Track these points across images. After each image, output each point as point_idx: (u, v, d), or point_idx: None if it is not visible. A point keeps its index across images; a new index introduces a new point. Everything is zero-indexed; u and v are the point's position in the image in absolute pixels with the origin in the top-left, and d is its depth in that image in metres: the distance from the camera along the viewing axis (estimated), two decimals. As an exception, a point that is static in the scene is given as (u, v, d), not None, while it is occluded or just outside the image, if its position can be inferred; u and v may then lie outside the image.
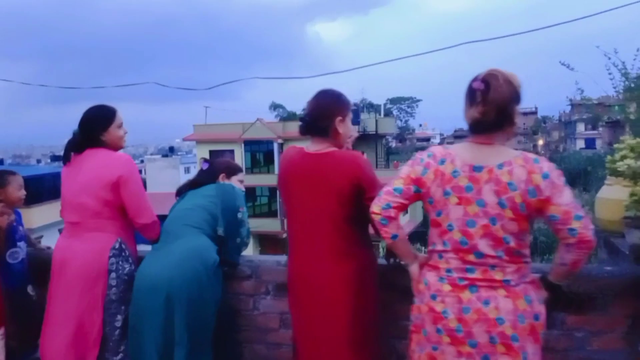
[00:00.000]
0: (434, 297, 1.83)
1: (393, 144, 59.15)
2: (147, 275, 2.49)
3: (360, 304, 2.15)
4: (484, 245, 1.75)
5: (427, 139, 69.93)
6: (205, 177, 2.85)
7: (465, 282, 1.79)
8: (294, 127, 28.32)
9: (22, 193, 2.92)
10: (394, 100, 61.16)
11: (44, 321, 2.61)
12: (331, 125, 2.22)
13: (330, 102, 2.28)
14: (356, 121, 29.99)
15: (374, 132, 30.34)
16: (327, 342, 2.15)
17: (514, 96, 1.79)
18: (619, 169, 2.28)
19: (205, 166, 2.92)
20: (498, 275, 1.77)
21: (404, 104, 62.79)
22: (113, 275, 2.56)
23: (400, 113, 62.31)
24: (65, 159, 2.68)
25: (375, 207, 1.89)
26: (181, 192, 2.87)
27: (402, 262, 2.12)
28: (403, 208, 1.89)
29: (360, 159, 2.21)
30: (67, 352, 2.52)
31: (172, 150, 55.60)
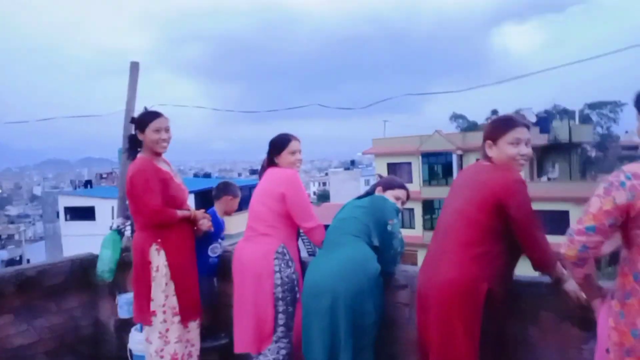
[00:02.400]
0: None
1: (593, 153, 53.03)
2: (313, 281, 2.72)
3: None
4: None
5: (635, 147, 61.06)
6: (370, 190, 3.10)
7: None
8: (474, 138, 27.31)
9: (236, 205, 3.66)
10: (592, 105, 54.82)
11: (234, 312, 3.04)
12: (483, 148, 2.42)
13: (485, 129, 2.49)
14: (545, 130, 27.75)
15: (567, 141, 27.69)
16: None
17: None
18: None
19: (378, 179, 3.19)
20: None
21: (604, 108, 55.83)
22: (277, 275, 2.89)
23: (601, 119, 55.53)
24: (260, 177, 3.22)
25: (571, 251, 1.76)
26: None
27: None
28: (599, 248, 1.75)
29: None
30: (252, 341, 2.92)
31: (353, 163, 57.89)
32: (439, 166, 29.36)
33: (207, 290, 3.34)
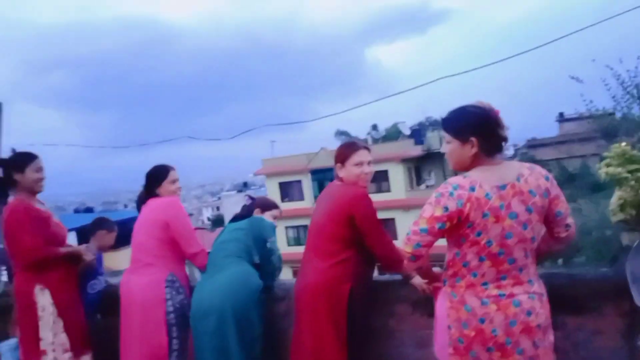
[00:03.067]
0: (482, 321, 2.00)
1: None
2: (199, 303, 2.91)
3: None
4: (517, 250, 2.00)
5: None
6: (246, 212, 3.30)
7: (506, 297, 2.00)
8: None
9: (112, 239, 3.61)
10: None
11: (121, 345, 3.10)
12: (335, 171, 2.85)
13: (335, 153, 2.88)
14: (419, 141, 29.89)
15: (438, 150, 30.01)
16: None
17: None
18: (600, 176, 2.44)
19: (248, 202, 3.39)
20: (524, 277, 2.02)
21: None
22: (169, 303, 3.02)
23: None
24: (138, 210, 3.27)
25: (407, 247, 2.05)
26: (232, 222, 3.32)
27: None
28: (430, 246, 2.07)
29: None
30: None
31: (245, 185, 57.59)
32: (327, 182, 29.99)
33: (91, 327, 3.36)
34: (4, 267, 3.93)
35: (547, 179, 2.03)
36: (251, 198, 3.43)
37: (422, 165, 30.15)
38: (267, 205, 3.38)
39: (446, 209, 1.98)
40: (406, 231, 2.10)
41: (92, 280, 3.47)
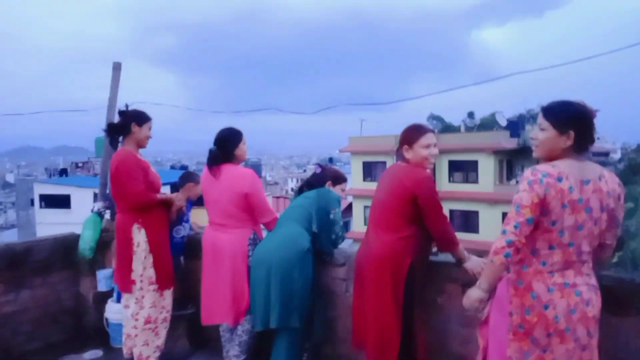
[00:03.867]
0: (546, 308, 2.10)
1: (564, 158, 54.19)
2: (257, 254, 3.27)
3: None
4: (585, 244, 2.10)
5: (606, 154, 62.65)
6: (316, 180, 3.56)
7: (570, 287, 2.10)
8: (448, 139, 27.95)
9: (199, 191, 3.96)
10: (565, 111, 56.03)
11: (203, 287, 3.49)
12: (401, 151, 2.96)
13: (402, 134, 2.98)
14: (515, 133, 28.62)
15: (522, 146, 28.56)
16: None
17: None
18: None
19: (318, 170, 3.64)
20: (585, 269, 2.14)
21: (577, 114, 57.15)
22: (250, 255, 3.38)
23: (573, 125, 56.90)
24: (210, 165, 3.48)
25: (517, 237, 2.04)
26: (300, 190, 3.62)
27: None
28: (526, 237, 2.07)
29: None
30: (228, 314, 3.36)
31: (331, 160, 58.37)
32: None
33: (175, 267, 3.82)
34: (107, 207, 4.51)
35: (619, 184, 2.16)
36: (321, 167, 3.65)
37: (515, 160, 28.94)
38: (338, 179, 3.60)
39: (537, 195, 2.04)
40: (497, 226, 2.22)
41: (178, 226, 3.95)
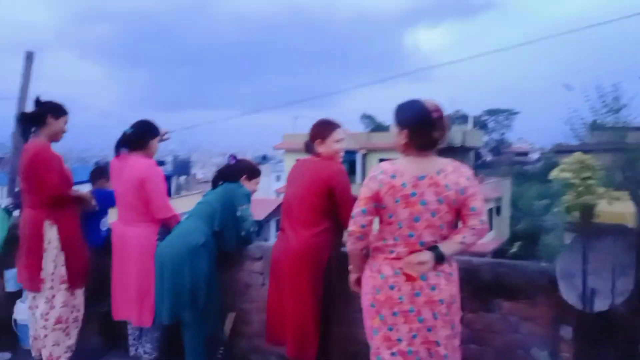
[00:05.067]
0: (392, 288, 2.29)
1: (488, 157, 57.11)
2: (157, 250, 3.26)
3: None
4: (427, 235, 2.26)
5: (526, 153, 66.64)
6: (230, 173, 3.53)
7: None
8: (378, 138, 28.71)
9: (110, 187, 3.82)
10: (490, 112, 58.95)
11: (112, 281, 3.46)
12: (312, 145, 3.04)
13: (313, 129, 3.06)
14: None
15: (460, 145, 29.90)
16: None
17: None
18: (550, 178, 2.66)
19: (232, 161, 3.62)
20: None
21: (501, 115, 60.41)
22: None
23: (497, 125, 60.06)
24: (116, 152, 3.45)
25: (355, 227, 2.32)
26: (214, 182, 3.58)
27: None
28: (372, 223, 2.33)
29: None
30: (133, 308, 3.35)
31: (265, 158, 58.20)
32: (345, 164, 30.32)
33: (96, 261, 3.75)
34: (16, 204, 4.30)
35: (467, 178, 2.27)
36: (234, 158, 3.63)
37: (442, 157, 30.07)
38: (253, 172, 3.59)
39: (371, 190, 2.28)
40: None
41: (104, 218, 3.88)
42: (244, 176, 3.53)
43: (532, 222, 23.07)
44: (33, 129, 3.50)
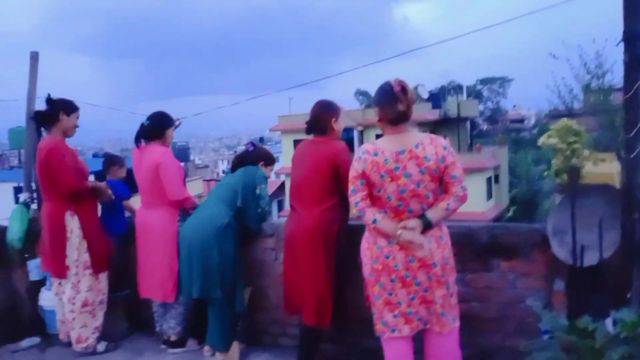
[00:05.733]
0: (387, 257, 2.50)
1: (484, 126, 57.05)
2: (181, 232, 3.51)
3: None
4: (414, 203, 2.45)
5: (521, 120, 66.33)
6: (249, 158, 3.74)
7: None
8: (371, 114, 28.50)
9: (124, 172, 4.31)
10: (484, 81, 58.56)
11: (138, 262, 3.68)
12: (328, 125, 3.18)
13: (325, 108, 3.22)
14: (436, 105, 29.82)
15: (456, 116, 29.97)
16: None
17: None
18: (538, 144, 2.85)
19: (251, 148, 3.82)
20: None
21: (494, 84, 60.07)
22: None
23: (491, 94, 59.78)
24: (137, 143, 3.70)
25: (352, 208, 2.56)
26: (233, 166, 3.79)
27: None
28: (368, 197, 2.49)
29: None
30: (157, 288, 3.58)
31: (262, 140, 57.99)
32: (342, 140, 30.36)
33: (119, 248, 3.98)
34: (34, 198, 4.49)
35: (444, 147, 2.44)
36: (253, 145, 3.84)
37: (437, 130, 29.92)
38: (271, 159, 3.85)
39: (357, 170, 2.47)
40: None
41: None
42: (262, 162, 3.74)
43: (528, 186, 23.32)
44: (47, 127, 3.69)
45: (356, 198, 2.51)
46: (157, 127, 3.65)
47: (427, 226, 2.45)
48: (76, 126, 3.73)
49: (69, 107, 3.66)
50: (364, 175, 2.47)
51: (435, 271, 2.47)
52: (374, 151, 2.46)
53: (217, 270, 3.33)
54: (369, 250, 2.59)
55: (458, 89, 39.84)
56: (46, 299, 4.20)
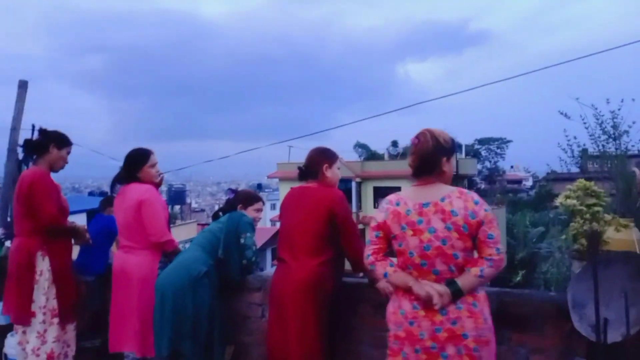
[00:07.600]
0: (411, 324, 2.19)
1: (482, 185, 57.26)
2: (157, 280, 3.19)
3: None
4: (440, 263, 2.16)
5: (519, 182, 66.81)
6: (228, 205, 3.52)
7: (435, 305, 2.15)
8: (372, 167, 28.80)
9: None
10: (482, 141, 59.40)
11: (110, 311, 3.33)
12: (319, 171, 2.96)
13: (319, 154, 3.02)
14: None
15: (454, 174, 29.94)
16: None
17: (439, 149, 2.27)
18: (556, 206, 2.62)
19: (230, 195, 3.59)
20: None
21: (493, 144, 60.81)
22: None
23: (489, 154, 60.44)
24: (111, 191, 3.48)
25: (365, 260, 2.35)
26: (215, 216, 3.57)
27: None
28: (382, 251, 2.30)
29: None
30: (134, 339, 3.22)
31: (260, 187, 57.95)
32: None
33: (93, 293, 3.67)
34: (7, 235, 4.21)
35: (476, 202, 2.18)
36: (233, 192, 3.63)
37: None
38: (249, 200, 3.55)
39: (376, 220, 2.31)
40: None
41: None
42: (240, 205, 3.48)
43: (528, 250, 23.01)
44: (34, 157, 3.46)
45: (368, 250, 2.32)
46: (132, 168, 3.37)
47: (456, 295, 2.14)
48: (65, 161, 3.49)
49: (61, 141, 3.45)
50: (383, 227, 2.28)
51: (467, 344, 2.12)
52: (397, 201, 2.29)
53: (190, 321, 3.03)
54: (393, 314, 2.28)
55: (457, 147, 40.16)
56: (11, 346, 3.84)
